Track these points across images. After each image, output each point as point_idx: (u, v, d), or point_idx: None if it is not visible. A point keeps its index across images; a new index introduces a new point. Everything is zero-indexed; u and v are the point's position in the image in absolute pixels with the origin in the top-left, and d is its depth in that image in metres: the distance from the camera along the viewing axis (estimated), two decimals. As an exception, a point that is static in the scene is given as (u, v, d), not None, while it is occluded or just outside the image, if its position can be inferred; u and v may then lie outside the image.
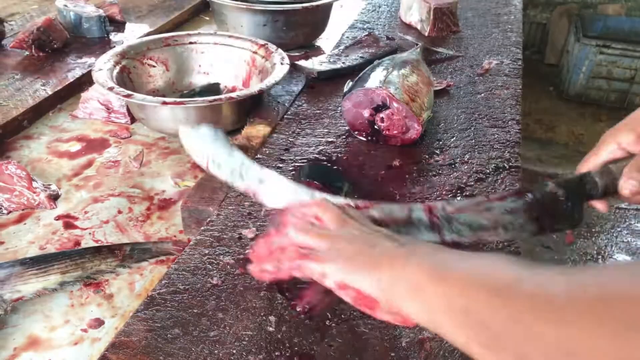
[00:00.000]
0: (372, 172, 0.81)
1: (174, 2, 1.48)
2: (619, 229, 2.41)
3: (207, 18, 1.48)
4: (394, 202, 0.74)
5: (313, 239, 0.47)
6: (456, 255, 0.43)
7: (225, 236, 0.66)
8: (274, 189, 0.60)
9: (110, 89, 0.89)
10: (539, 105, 3.14)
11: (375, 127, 0.86)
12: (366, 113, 0.86)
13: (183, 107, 0.88)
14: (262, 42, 1.06)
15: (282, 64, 0.97)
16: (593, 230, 2.38)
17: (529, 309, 0.35)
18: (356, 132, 0.88)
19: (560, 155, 2.77)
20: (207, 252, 0.64)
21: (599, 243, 2.31)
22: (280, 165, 0.81)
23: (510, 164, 0.83)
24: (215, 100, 0.87)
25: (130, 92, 0.89)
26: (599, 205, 0.59)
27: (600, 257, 2.24)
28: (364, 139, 0.88)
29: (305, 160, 0.82)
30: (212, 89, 1.07)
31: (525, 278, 0.37)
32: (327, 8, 1.27)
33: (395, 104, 0.83)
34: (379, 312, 0.44)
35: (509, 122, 0.94)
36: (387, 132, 0.86)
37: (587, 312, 0.33)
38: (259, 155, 0.82)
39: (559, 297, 0.34)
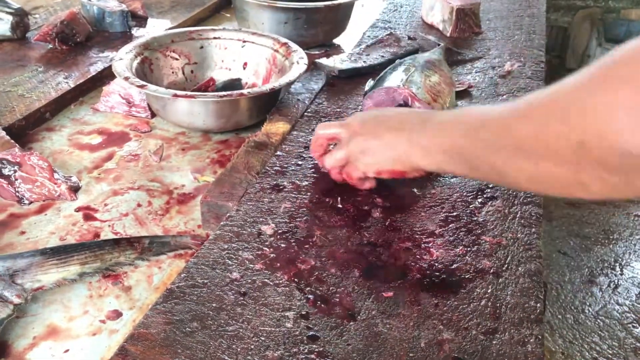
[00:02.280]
0: (391, 171, 0.80)
1: (195, -2, 1.48)
2: (637, 237, 2.37)
3: (228, 15, 1.49)
4: (413, 202, 0.74)
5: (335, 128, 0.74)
6: (451, 116, 0.64)
7: (244, 232, 0.66)
8: None
9: (126, 78, 0.90)
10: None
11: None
12: None
13: (200, 100, 0.89)
14: (283, 40, 1.06)
15: (299, 63, 0.97)
16: (611, 237, 2.35)
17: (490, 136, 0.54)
18: None
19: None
20: (226, 247, 0.64)
21: (617, 250, 2.28)
22: (300, 162, 0.81)
23: (532, 166, 0.82)
24: (225, 95, 0.88)
25: (144, 83, 0.89)
26: None
27: (617, 264, 2.21)
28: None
29: (324, 158, 0.82)
30: (234, 84, 1.08)
31: (487, 118, 0.56)
32: (348, 7, 1.27)
33: (417, 104, 0.83)
34: (407, 175, 0.69)
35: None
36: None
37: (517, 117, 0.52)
38: (278, 152, 0.82)
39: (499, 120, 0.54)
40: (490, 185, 0.78)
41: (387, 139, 0.67)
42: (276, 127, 0.90)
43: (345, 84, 1.02)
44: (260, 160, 0.82)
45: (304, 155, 0.82)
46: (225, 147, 0.95)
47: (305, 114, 0.93)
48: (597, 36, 2.97)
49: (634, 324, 1.97)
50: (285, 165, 0.79)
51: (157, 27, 1.32)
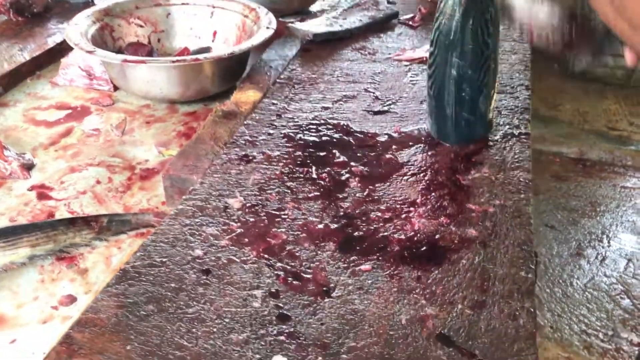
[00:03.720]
0: (371, 139, 0.75)
1: (163, -33, 1.40)
2: (624, 208, 2.35)
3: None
4: (393, 170, 0.69)
5: None
6: None
7: (209, 206, 0.61)
8: None
9: (76, 44, 0.83)
10: (543, 84, 3.06)
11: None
12: None
13: (154, 66, 0.82)
14: (253, 5, 0.99)
15: (268, 28, 0.90)
16: (597, 209, 2.33)
17: None
18: None
19: (565, 134, 2.70)
20: (188, 222, 0.58)
21: (604, 222, 2.26)
22: (272, 131, 0.75)
23: (520, 130, 0.77)
24: (179, 61, 0.81)
25: (92, 48, 0.83)
26: (628, 57, 0.55)
27: (605, 236, 2.19)
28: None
29: (297, 127, 0.76)
30: (202, 52, 1.01)
31: None
32: (324, -30, 1.20)
33: None
34: None
35: (518, 88, 0.88)
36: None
37: None
38: (247, 121, 0.76)
39: None
40: (477, 152, 0.72)
41: None
42: (246, 96, 0.84)
43: (321, 49, 0.96)
44: (229, 130, 0.76)
45: (275, 123, 0.76)
46: (193, 119, 0.89)
47: (278, 80, 0.87)
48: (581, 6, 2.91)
49: (621, 296, 1.95)
50: (255, 135, 0.73)
51: (121, -4, 1.24)
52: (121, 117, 0.89)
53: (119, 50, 0.97)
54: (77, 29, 0.88)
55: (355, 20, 1.01)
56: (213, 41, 1.04)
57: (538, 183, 2.50)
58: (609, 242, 2.18)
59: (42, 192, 0.73)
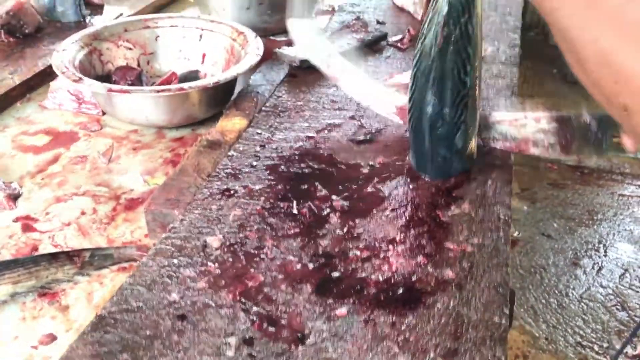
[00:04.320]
0: (354, 171, 0.75)
1: (156, -18, 1.40)
2: (621, 217, 2.35)
3: (192, 0, 1.41)
4: (375, 204, 0.69)
5: None
6: None
7: (188, 245, 0.61)
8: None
9: (63, 72, 0.84)
10: (542, 88, 3.06)
11: None
12: None
13: (139, 95, 0.83)
14: (242, 29, 0.99)
15: (256, 55, 0.91)
16: (595, 218, 2.32)
17: None
18: None
19: (563, 141, 2.69)
20: (166, 263, 0.58)
21: (601, 231, 2.26)
22: (255, 163, 0.75)
23: (502, 162, 0.77)
24: (163, 90, 0.82)
25: (79, 76, 0.83)
26: (628, 142, 0.58)
27: (601, 245, 2.19)
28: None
29: (281, 159, 0.76)
30: (191, 76, 1.01)
31: None
32: (314, -10, 1.20)
33: None
34: None
35: (504, 115, 0.88)
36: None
37: None
38: (231, 153, 0.76)
39: None
40: (458, 186, 0.73)
41: None
42: (232, 124, 0.84)
43: (308, 74, 0.96)
44: (212, 161, 0.76)
45: (259, 154, 0.77)
46: (180, 145, 0.90)
47: (264, 108, 0.87)
48: (581, 12, 2.91)
49: (617, 307, 1.95)
50: (238, 167, 0.74)
51: (114, 14, 1.24)
52: (108, 143, 0.89)
53: (108, 74, 0.98)
54: (64, 55, 0.88)
55: (343, 44, 1.02)
56: (202, 63, 1.04)
57: (536, 191, 2.50)
58: (605, 252, 2.18)
59: (27, 223, 0.74)
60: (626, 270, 2.11)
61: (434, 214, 0.68)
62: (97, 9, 1.26)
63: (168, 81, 0.95)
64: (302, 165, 0.75)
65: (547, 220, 2.32)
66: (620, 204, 2.43)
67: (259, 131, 0.82)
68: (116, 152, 0.87)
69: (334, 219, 0.67)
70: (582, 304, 1.97)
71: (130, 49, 1.02)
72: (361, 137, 0.82)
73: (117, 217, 0.75)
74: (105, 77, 0.97)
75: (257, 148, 0.78)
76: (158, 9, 1.34)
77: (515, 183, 2.46)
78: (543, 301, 1.96)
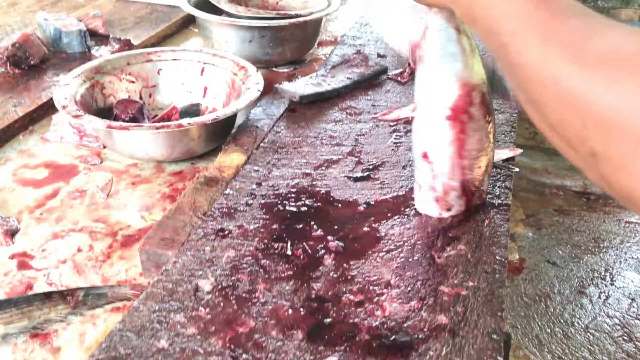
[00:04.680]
0: (350, 209, 0.75)
1: (162, 13, 1.42)
2: (628, 244, 2.32)
3: (196, 30, 1.43)
4: (370, 245, 0.68)
5: None
6: None
7: (180, 289, 0.61)
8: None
9: (64, 107, 0.85)
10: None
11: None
12: None
13: (137, 132, 0.84)
14: (243, 63, 1.00)
15: (256, 90, 0.91)
16: (601, 245, 2.30)
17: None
18: None
19: (569, 167, 2.68)
20: (157, 308, 0.58)
21: (607, 259, 2.23)
22: (251, 202, 0.75)
23: (500, 200, 0.77)
24: (163, 127, 0.82)
25: (79, 113, 0.84)
26: None
27: (608, 274, 2.16)
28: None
29: (277, 196, 0.76)
30: (192, 110, 1.02)
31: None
32: (316, 23, 1.21)
33: None
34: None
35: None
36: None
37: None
38: (227, 191, 0.76)
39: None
40: (455, 226, 0.72)
41: None
42: (230, 159, 0.85)
43: (307, 110, 0.97)
44: (209, 198, 0.76)
45: (255, 192, 0.77)
46: (179, 180, 0.90)
47: (262, 144, 0.87)
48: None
49: (624, 337, 1.92)
50: (234, 206, 0.74)
51: (119, 46, 1.26)
52: (108, 177, 0.90)
53: (110, 107, 0.99)
54: (65, 90, 0.90)
55: (343, 79, 1.02)
56: (204, 97, 1.05)
57: (541, 217, 2.48)
58: (612, 280, 2.15)
59: (23, 260, 0.74)
60: (633, 299, 2.08)
61: (430, 255, 0.67)
62: (103, 40, 1.28)
63: (169, 115, 0.96)
64: (299, 203, 0.75)
65: (552, 248, 2.30)
66: (627, 232, 2.40)
67: (256, 168, 0.82)
68: (115, 186, 0.88)
69: (328, 260, 0.66)
70: (588, 334, 1.94)
71: (132, 82, 1.03)
72: (358, 174, 0.82)
73: (113, 255, 0.75)
74: (107, 110, 0.98)
75: (254, 186, 0.78)
76: (163, 39, 1.36)
77: (521, 209, 2.45)
78: (548, 330, 1.93)
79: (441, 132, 0.68)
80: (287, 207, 0.75)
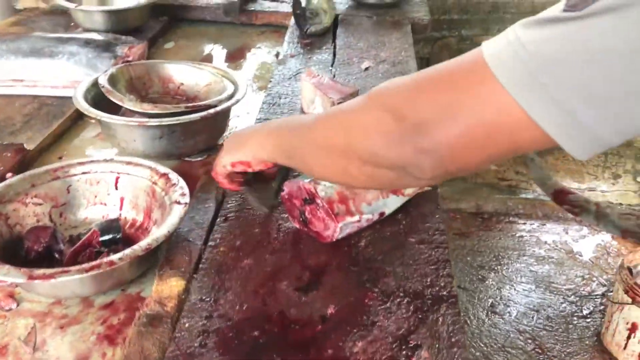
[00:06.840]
0: (307, 329, 0.74)
1: (52, 106, 1.32)
2: (524, 257, 2.50)
3: (93, 121, 1.34)
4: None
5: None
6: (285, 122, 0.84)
7: None
8: None
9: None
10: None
11: (302, 218, 0.89)
12: (297, 203, 0.88)
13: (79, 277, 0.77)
14: (162, 170, 0.96)
15: (179, 203, 0.88)
16: (502, 262, 2.46)
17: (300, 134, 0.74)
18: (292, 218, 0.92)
19: (461, 190, 2.85)
20: None
21: (510, 275, 2.39)
22: (205, 341, 0.71)
23: (446, 292, 0.80)
24: (92, 268, 0.76)
25: None
26: None
27: (512, 290, 2.31)
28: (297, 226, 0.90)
29: (231, 329, 0.73)
30: (112, 226, 0.95)
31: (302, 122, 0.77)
32: (226, 111, 1.19)
33: (317, 200, 0.85)
34: (254, 166, 0.83)
35: (435, 233, 0.91)
36: (310, 227, 0.88)
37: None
38: (177, 334, 0.72)
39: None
40: (412, 330, 0.74)
41: (237, 140, 0.85)
42: (169, 287, 0.80)
43: (240, 214, 0.94)
44: (157, 342, 0.71)
45: (208, 328, 0.73)
46: (112, 313, 0.83)
47: (201, 265, 0.84)
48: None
49: (537, 350, 2.07)
50: (188, 351, 0.70)
51: (8, 155, 1.14)
52: (29, 324, 0.81)
53: (18, 237, 0.89)
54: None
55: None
56: (121, 209, 0.98)
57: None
58: (517, 296, 2.31)
59: None
60: (537, 311, 2.25)
61: (396, 372, 0.68)
62: (-11, 148, 1.16)
63: (89, 241, 0.88)
64: (255, 332, 0.73)
65: (460, 272, 2.43)
66: (521, 245, 2.60)
67: (202, 297, 0.78)
68: (40, 335, 0.79)
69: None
70: (505, 352, 2.06)
71: (39, 204, 0.94)
72: (306, 282, 0.81)
73: None
74: (15, 242, 0.89)
75: (204, 321, 0.74)
76: (59, 135, 1.25)
77: (426, 239, 2.56)
78: (471, 357, 2.03)
79: None
80: (243, 338, 0.72)
